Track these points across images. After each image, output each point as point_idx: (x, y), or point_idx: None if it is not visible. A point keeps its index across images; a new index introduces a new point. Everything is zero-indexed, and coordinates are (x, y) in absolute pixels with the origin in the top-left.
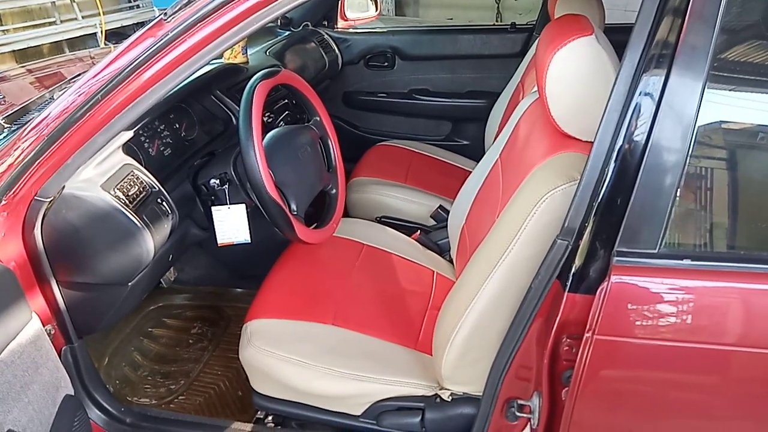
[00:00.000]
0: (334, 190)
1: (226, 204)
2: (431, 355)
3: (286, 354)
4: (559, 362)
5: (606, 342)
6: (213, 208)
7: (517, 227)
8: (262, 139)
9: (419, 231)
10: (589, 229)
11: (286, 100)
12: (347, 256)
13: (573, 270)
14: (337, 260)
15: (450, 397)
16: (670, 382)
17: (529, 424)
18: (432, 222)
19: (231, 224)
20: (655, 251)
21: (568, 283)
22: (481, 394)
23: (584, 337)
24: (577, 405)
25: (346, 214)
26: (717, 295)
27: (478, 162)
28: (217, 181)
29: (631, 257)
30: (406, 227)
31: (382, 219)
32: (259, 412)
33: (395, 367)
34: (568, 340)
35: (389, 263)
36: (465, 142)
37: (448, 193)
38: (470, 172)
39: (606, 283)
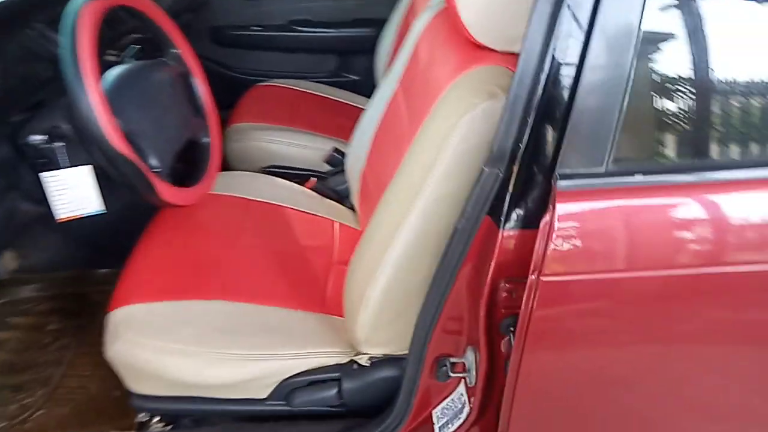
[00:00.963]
0: (205, 139)
1: (63, 167)
2: (342, 316)
3: (165, 343)
4: (496, 311)
5: (555, 283)
6: (43, 175)
7: (431, 160)
8: (101, 78)
9: (313, 178)
10: (522, 152)
11: (138, 34)
12: (231, 216)
13: (507, 203)
14: (219, 222)
15: (369, 362)
16: (630, 316)
17: (463, 382)
18: (327, 167)
19: (74, 192)
20: (603, 170)
21: (503, 219)
22: (404, 352)
23: (528, 280)
24: (526, 357)
25: (226, 167)
26: (676, 211)
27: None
28: (45, 138)
29: (576, 179)
30: (297, 175)
31: (269, 169)
32: (142, 415)
33: (301, 338)
34: (507, 285)
35: (282, 218)
36: (355, 77)
37: (343, 134)
38: (364, 109)
39: (550, 214)
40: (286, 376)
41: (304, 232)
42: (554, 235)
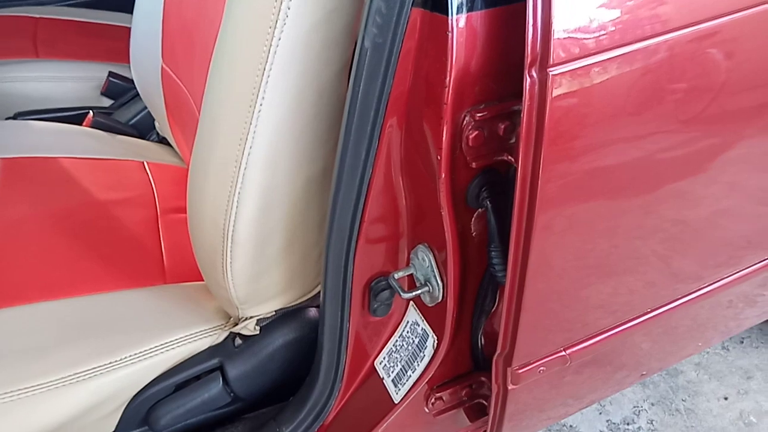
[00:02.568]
0: None
1: None
2: (198, 279)
3: None
4: (460, 170)
5: (573, 74)
6: None
7: None
8: None
9: (91, 113)
10: None
11: None
12: None
13: None
14: None
15: (256, 328)
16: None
17: (412, 306)
18: (107, 101)
19: None
20: None
21: None
22: (305, 298)
23: (526, 83)
24: (543, 212)
25: None
26: None
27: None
28: None
29: None
30: (66, 118)
31: (21, 115)
32: None
33: (144, 327)
34: (478, 116)
35: (62, 173)
36: None
37: (118, 57)
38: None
39: None
40: (136, 391)
41: (102, 185)
42: None
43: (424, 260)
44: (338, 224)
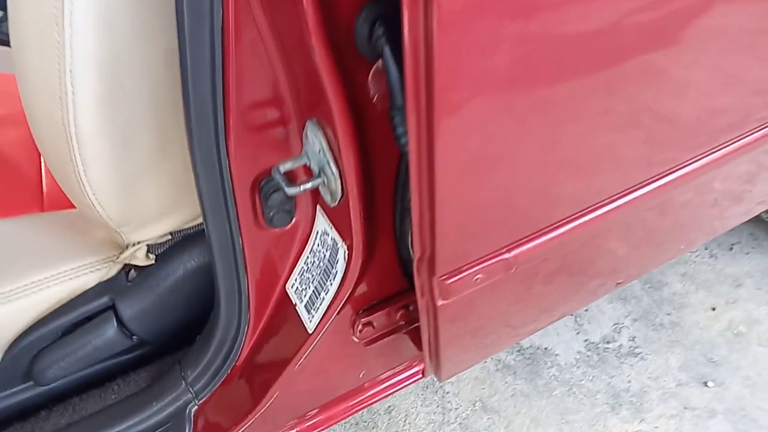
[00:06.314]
0: None
1: None
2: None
3: None
4: (338, 2)
5: None
6: None
7: None
8: None
9: None
10: None
11: None
12: None
13: None
14: None
15: (151, 256)
16: None
17: (319, 210)
18: None
19: None
20: None
21: None
22: (200, 220)
23: None
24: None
25: None
26: None
27: None
28: None
29: None
30: None
31: None
32: None
33: (9, 262)
34: None
35: None
36: None
37: None
38: None
39: None
40: (8, 338)
41: None
42: None
43: (314, 142)
44: (196, 107)
